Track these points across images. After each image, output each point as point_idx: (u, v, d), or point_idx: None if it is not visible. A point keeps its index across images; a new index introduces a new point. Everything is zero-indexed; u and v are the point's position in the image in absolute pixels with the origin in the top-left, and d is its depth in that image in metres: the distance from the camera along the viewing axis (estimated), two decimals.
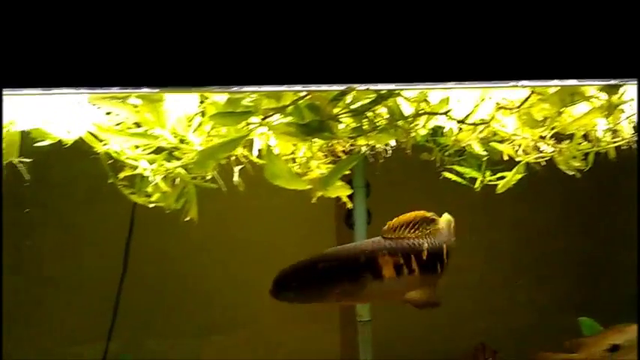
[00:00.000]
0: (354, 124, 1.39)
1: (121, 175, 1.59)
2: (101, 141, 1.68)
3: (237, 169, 1.73)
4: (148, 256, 2.38)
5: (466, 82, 1.34)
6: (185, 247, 2.42)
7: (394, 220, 1.41)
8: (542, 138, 1.56)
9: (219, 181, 1.66)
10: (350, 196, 2.29)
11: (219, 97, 1.53)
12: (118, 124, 1.68)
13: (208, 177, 1.63)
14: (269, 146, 1.46)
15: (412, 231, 1.39)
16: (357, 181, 2.26)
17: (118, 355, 2.34)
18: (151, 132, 1.63)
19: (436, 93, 1.48)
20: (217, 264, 2.48)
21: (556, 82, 1.38)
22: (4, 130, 1.52)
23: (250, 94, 1.45)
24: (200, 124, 1.62)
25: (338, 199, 2.46)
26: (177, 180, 1.63)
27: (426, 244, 1.37)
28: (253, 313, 2.50)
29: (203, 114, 1.57)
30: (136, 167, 1.64)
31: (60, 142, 1.66)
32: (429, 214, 1.45)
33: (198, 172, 1.54)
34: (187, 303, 2.46)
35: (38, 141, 1.64)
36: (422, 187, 2.35)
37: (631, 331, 1.70)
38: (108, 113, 1.66)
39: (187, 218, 1.66)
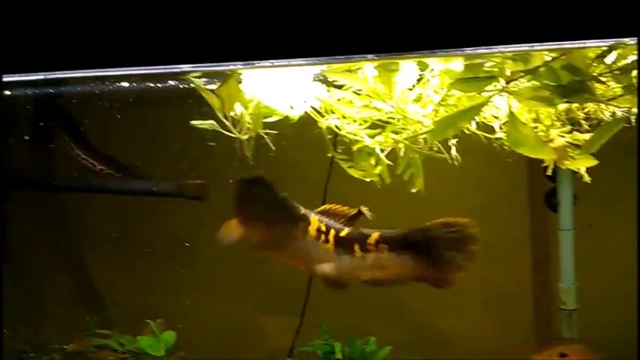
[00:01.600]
0: (624, 85, 1.27)
1: (355, 147, 1.61)
2: (323, 116, 1.74)
3: (454, 140, 1.69)
4: None
5: None
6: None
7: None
8: None
9: (443, 151, 1.63)
10: (552, 176, 2.17)
11: (450, 64, 1.49)
12: (339, 100, 1.72)
13: (435, 148, 1.61)
14: (513, 112, 1.38)
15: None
16: None
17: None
18: (373, 105, 1.64)
19: None
20: None
21: None
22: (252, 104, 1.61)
23: (491, 58, 1.39)
24: (420, 95, 1.60)
25: (533, 178, 2.34)
26: (402, 152, 1.62)
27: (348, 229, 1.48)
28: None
29: (426, 83, 1.55)
30: (361, 141, 1.66)
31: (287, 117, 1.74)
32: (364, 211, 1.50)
33: (433, 142, 1.51)
34: None
35: (267, 116, 1.73)
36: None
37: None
38: (339, 87, 1.69)
39: (414, 190, 1.65)
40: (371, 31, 1.39)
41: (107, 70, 1.46)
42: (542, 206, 2.28)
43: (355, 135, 1.70)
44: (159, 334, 1.97)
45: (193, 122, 1.67)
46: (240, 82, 1.62)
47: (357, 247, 1.44)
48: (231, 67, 1.55)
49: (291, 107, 1.70)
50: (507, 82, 1.37)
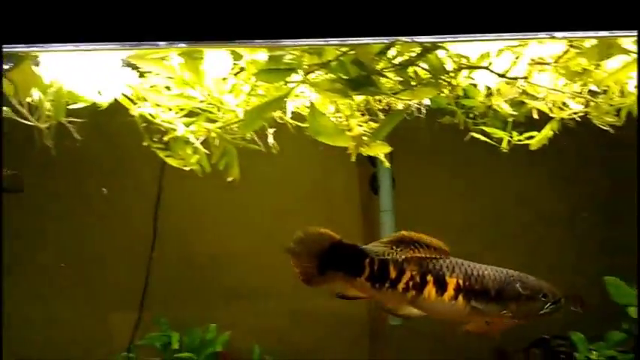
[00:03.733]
0: (400, 80, 1.39)
1: (166, 138, 1.59)
2: (135, 103, 1.69)
3: (271, 130, 1.75)
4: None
5: (505, 34, 1.36)
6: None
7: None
8: (578, 93, 1.58)
9: (257, 141, 1.68)
10: (373, 161, 2.33)
11: (256, 55, 1.53)
12: (152, 86, 1.69)
13: (248, 138, 1.64)
14: (313, 103, 1.46)
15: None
16: None
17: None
18: (187, 93, 1.64)
19: (474, 49, 1.49)
20: (242, 226, 2.50)
21: (587, 33, 1.40)
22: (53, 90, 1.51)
23: (290, 51, 1.45)
24: (234, 85, 1.62)
25: (361, 164, 2.50)
26: (217, 141, 1.63)
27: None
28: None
29: (238, 73, 1.58)
30: (175, 130, 1.64)
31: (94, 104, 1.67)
32: None
33: (244, 133, 1.54)
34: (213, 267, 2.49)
35: (71, 103, 1.64)
36: (445, 151, 2.40)
37: None
38: (141, 76, 1.66)
39: (230, 179, 1.67)
40: (178, 19, 1.38)
41: None
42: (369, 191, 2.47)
43: (170, 123, 1.68)
44: None
45: None
46: (37, 65, 1.52)
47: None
48: (27, 49, 1.45)
49: (99, 93, 1.64)
50: (306, 74, 1.44)
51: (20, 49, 1.43)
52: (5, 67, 1.49)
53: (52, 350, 2.41)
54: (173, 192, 2.32)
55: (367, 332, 2.62)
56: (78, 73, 1.58)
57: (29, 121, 1.52)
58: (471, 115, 1.98)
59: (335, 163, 2.44)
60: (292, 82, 1.47)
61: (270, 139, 1.73)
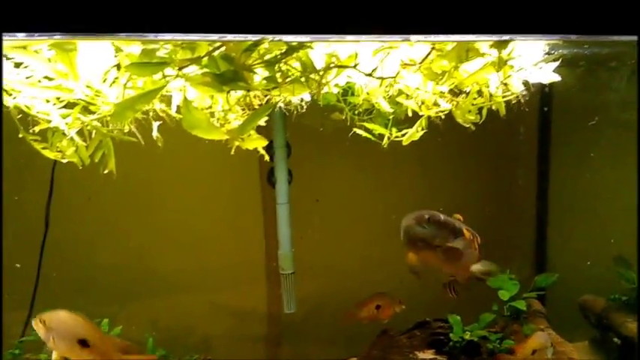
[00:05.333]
0: (267, 76, 1.45)
1: (37, 128, 1.56)
2: (10, 95, 1.65)
3: (156, 123, 1.75)
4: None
5: (371, 35, 1.44)
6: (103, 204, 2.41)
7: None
8: (442, 93, 1.70)
9: (137, 134, 1.68)
10: (271, 156, 2.38)
11: (134, 49, 1.54)
12: (28, 77, 1.65)
13: (126, 130, 1.64)
14: (186, 97, 1.49)
15: None
16: (278, 140, 2.35)
17: None
18: (64, 85, 1.62)
19: (344, 50, 1.57)
20: (138, 223, 2.49)
21: (447, 37, 1.50)
22: None
23: (164, 45, 1.47)
24: (116, 78, 1.62)
25: (262, 158, 2.55)
26: (94, 133, 1.63)
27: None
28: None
29: (119, 66, 1.58)
30: (49, 122, 1.62)
31: None
32: None
33: (115, 125, 1.54)
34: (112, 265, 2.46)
35: None
36: (338, 145, 2.49)
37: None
38: (17, 66, 1.62)
39: (106, 171, 1.67)
40: (53, 9, 1.36)
41: None
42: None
43: (46, 115, 1.66)
44: None
45: None
46: None
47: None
48: None
49: None
50: (179, 69, 1.47)
51: None
52: None
53: None
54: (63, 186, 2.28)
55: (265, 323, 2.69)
56: None
57: None
58: (356, 112, 2.09)
59: (238, 157, 2.50)
60: (168, 75, 1.49)
61: (155, 133, 1.74)
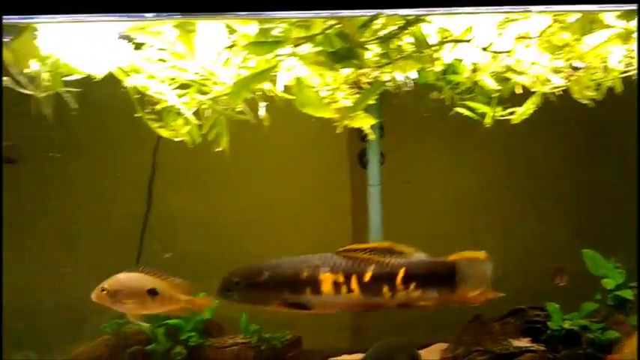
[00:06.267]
0: (381, 52, 1.43)
1: (157, 107, 1.64)
2: (129, 76, 1.73)
3: (263, 103, 1.79)
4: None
5: (490, 7, 1.39)
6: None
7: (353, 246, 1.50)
8: (559, 68, 1.62)
9: (248, 113, 1.71)
10: (363, 136, 2.37)
11: (247, 28, 1.57)
12: (146, 59, 1.72)
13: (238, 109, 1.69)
14: (299, 76, 1.51)
15: (363, 254, 1.48)
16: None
17: None
18: (180, 65, 1.68)
19: (459, 24, 1.53)
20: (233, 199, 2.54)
21: (571, 7, 1.42)
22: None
23: (279, 24, 1.49)
24: (228, 59, 1.66)
25: (351, 139, 2.53)
26: (208, 112, 1.68)
27: (371, 267, 1.45)
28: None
29: (232, 47, 1.61)
30: (166, 101, 1.69)
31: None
32: (396, 248, 1.49)
33: (231, 104, 1.58)
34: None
35: (66, 75, 1.68)
36: (434, 126, 2.43)
37: None
38: (136, 49, 1.69)
39: (219, 149, 1.72)
40: None
41: None
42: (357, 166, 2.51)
43: (162, 95, 1.73)
44: None
45: None
46: (35, 38, 1.57)
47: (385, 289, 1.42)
48: (25, 20, 1.49)
49: (98, 65, 1.68)
50: (294, 47, 1.48)
51: (18, 20, 1.47)
52: (5, 39, 1.54)
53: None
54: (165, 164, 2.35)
55: None
56: (74, 46, 1.62)
57: (28, 90, 1.57)
58: (457, 91, 2.02)
59: (326, 138, 2.50)
60: (281, 55, 1.51)
61: (262, 112, 1.77)
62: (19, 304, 2.08)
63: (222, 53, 1.62)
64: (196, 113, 1.74)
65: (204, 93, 1.72)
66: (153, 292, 1.70)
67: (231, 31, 1.60)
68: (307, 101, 1.49)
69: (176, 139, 1.80)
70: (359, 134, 2.17)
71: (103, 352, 2.12)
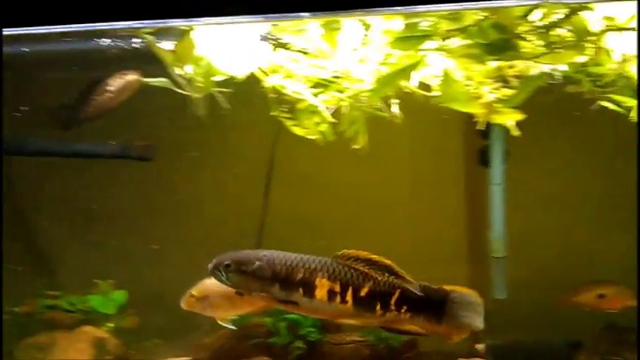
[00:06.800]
0: (543, 43, 1.36)
1: (300, 106, 1.66)
2: (267, 75, 1.77)
3: (396, 100, 1.77)
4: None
5: None
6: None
7: (353, 252, 1.43)
8: None
9: (388, 110, 1.70)
10: (485, 134, 2.29)
11: (389, 24, 1.55)
12: (286, 58, 1.75)
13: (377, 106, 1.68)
14: (446, 70, 1.47)
15: (364, 266, 1.42)
16: None
17: None
18: (319, 64, 1.69)
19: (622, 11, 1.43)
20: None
21: None
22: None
23: (427, 18, 1.46)
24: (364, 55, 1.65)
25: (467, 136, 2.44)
26: (346, 110, 1.68)
27: (370, 283, 1.40)
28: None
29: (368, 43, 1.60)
30: (304, 100, 1.71)
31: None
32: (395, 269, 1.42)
33: (374, 100, 1.57)
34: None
35: (210, 76, 1.74)
36: (564, 123, 2.30)
37: None
38: (278, 48, 1.72)
39: (357, 146, 1.72)
40: None
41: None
42: (475, 161, 2.42)
43: (299, 94, 1.75)
44: (109, 294, 2.00)
45: (147, 80, 1.67)
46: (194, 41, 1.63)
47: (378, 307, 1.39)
48: (175, 23, 1.56)
49: (240, 67, 1.73)
50: (443, 40, 1.45)
51: (181, 23, 1.53)
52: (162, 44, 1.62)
53: None
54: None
55: None
56: (220, 48, 1.68)
57: (185, 90, 1.64)
58: (598, 84, 1.90)
59: (441, 135, 2.43)
60: (427, 49, 1.48)
61: (395, 109, 1.75)
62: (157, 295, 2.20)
63: (360, 50, 1.62)
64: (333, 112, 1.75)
65: (341, 91, 1.73)
66: (241, 292, 1.73)
67: (367, 27, 1.59)
68: (455, 96, 1.45)
69: (309, 137, 1.82)
70: (480, 131, 2.10)
71: (224, 343, 2.19)
